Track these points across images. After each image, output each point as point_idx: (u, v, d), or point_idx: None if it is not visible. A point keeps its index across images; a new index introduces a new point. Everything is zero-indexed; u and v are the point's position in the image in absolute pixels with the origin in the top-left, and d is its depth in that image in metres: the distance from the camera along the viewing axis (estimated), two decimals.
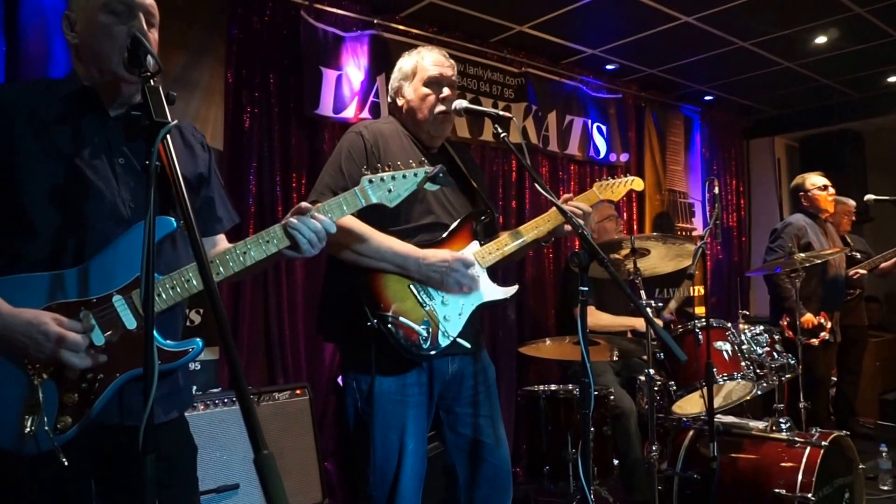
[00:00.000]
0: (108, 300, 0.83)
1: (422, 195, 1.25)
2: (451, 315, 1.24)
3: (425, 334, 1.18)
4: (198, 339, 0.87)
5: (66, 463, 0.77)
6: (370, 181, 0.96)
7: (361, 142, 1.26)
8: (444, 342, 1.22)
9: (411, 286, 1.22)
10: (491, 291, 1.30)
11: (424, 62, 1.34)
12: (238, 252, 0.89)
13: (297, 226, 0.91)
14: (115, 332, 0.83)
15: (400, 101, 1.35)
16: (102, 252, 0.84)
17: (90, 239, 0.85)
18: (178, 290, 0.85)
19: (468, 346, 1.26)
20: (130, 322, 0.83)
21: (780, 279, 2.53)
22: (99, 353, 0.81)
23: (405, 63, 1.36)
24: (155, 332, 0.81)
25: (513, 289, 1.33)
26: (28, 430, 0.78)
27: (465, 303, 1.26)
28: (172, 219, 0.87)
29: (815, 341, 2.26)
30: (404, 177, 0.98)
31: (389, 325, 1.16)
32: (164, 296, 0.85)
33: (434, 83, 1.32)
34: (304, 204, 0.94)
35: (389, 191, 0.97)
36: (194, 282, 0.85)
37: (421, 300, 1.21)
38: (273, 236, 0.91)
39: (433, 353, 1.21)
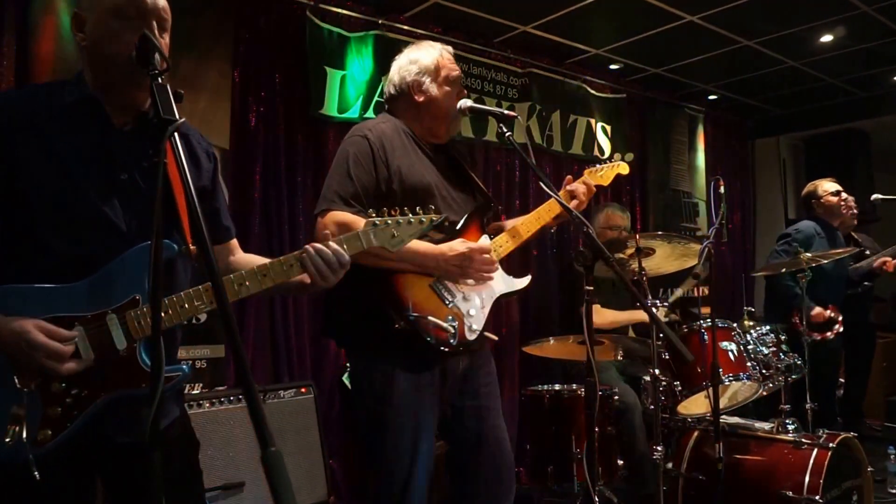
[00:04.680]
0: (102, 318, 0.83)
1: (427, 194, 1.26)
2: (474, 309, 1.25)
3: (452, 331, 1.20)
4: (183, 366, 0.87)
5: (38, 477, 0.77)
6: (375, 224, 0.96)
7: (368, 146, 1.25)
8: (471, 336, 1.23)
9: (432, 285, 1.22)
10: (507, 283, 1.32)
11: (445, 60, 1.33)
12: (234, 282, 0.88)
13: (311, 255, 0.89)
14: (105, 351, 0.82)
15: (419, 98, 1.32)
16: (102, 269, 0.84)
17: (90, 255, 0.84)
18: (170, 316, 0.85)
19: (496, 338, 1.29)
20: (120, 342, 0.83)
21: (784, 278, 2.52)
22: (85, 365, 0.81)
23: (424, 57, 1.33)
24: (146, 356, 0.83)
25: (526, 279, 1.34)
26: (9, 439, 0.78)
27: (485, 296, 1.27)
28: (173, 243, 0.86)
29: (829, 334, 2.24)
30: (409, 222, 0.97)
31: (417, 325, 1.16)
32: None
33: (456, 82, 1.33)
34: (318, 243, 0.92)
35: (393, 235, 0.96)
36: (188, 308, 0.85)
37: (443, 298, 1.22)
38: (273, 269, 0.89)
39: (462, 347, 1.22)
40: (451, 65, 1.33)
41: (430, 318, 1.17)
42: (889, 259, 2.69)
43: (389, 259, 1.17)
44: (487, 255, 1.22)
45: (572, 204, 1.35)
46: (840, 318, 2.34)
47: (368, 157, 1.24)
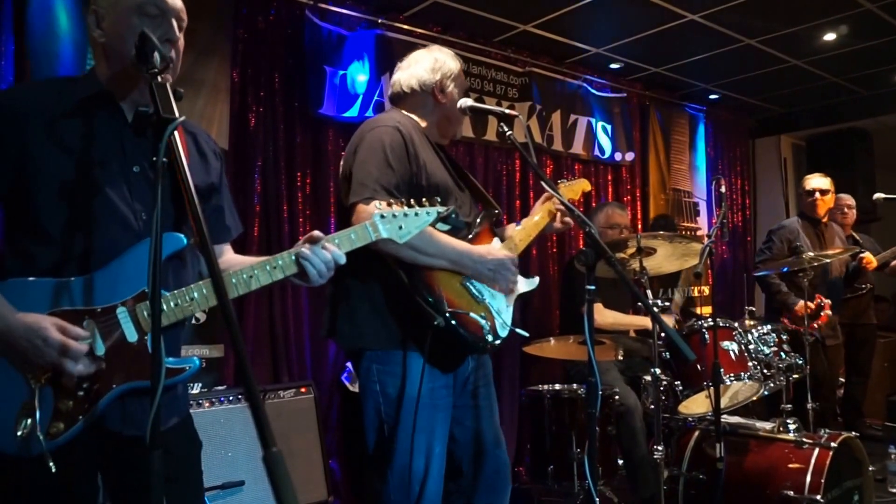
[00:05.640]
0: (111, 311, 0.83)
1: (447, 193, 1.27)
2: (502, 307, 1.28)
3: (487, 327, 1.21)
4: (195, 358, 0.88)
5: (53, 469, 0.77)
6: (382, 216, 0.96)
7: (401, 139, 1.23)
8: (503, 332, 1.26)
9: (464, 283, 1.23)
10: (523, 283, 1.36)
11: (461, 68, 1.38)
12: (244, 276, 0.89)
13: (308, 256, 0.89)
14: (116, 344, 0.83)
15: (442, 98, 1.34)
16: (111, 262, 0.84)
17: (100, 248, 0.84)
18: (181, 307, 0.85)
19: (526, 334, 1.32)
20: (132, 335, 0.83)
21: (769, 276, 2.52)
22: (98, 362, 0.81)
23: (449, 61, 1.36)
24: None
25: (536, 279, 1.38)
26: (21, 433, 0.78)
27: (507, 295, 1.31)
28: (183, 236, 0.86)
29: (817, 323, 2.23)
30: (416, 214, 0.98)
31: (454, 322, 1.16)
32: (165, 312, 0.84)
33: (465, 88, 1.38)
34: (316, 233, 0.93)
35: (400, 227, 0.97)
36: (197, 299, 0.85)
37: (475, 296, 1.24)
38: (281, 264, 0.90)
39: (496, 343, 1.24)
40: (463, 73, 1.40)
41: (470, 314, 1.18)
42: (867, 256, 2.68)
43: (432, 254, 1.17)
44: (516, 269, 1.26)
45: (557, 224, 1.41)
46: (828, 302, 2.31)
47: (402, 148, 1.23)
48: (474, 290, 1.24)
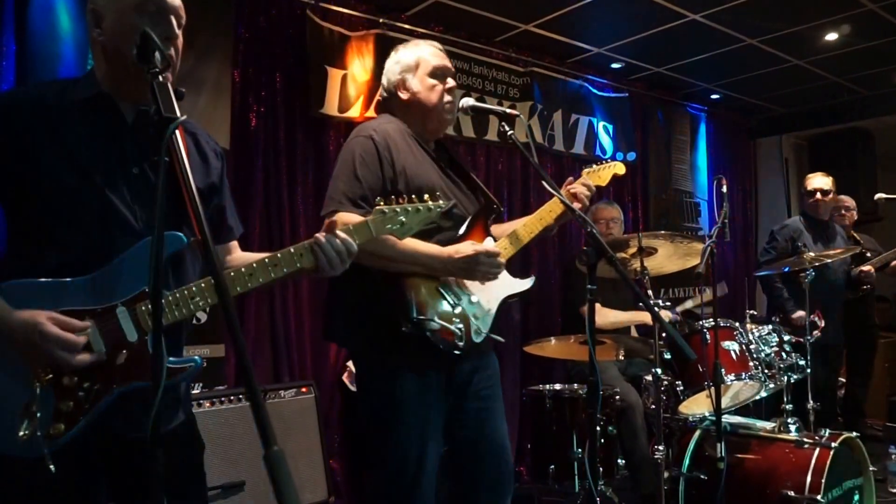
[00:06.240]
0: (112, 311, 0.83)
1: (432, 196, 1.25)
2: (481, 312, 1.26)
3: (459, 333, 1.20)
4: (196, 357, 0.89)
5: (53, 471, 0.77)
6: (383, 213, 0.96)
7: (373, 146, 1.23)
8: (477, 339, 1.24)
9: (439, 288, 1.22)
10: (512, 285, 1.32)
11: (425, 54, 1.33)
12: (243, 274, 0.89)
13: (322, 244, 0.90)
14: (117, 344, 0.83)
15: (404, 95, 1.32)
16: (111, 263, 0.84)
17: (100, 249, 0.84)
18: (181, 307, 0.85)
19: (502, 339, 1.29)
20: (132, 334, 0.83)
21: (772, 278, 2.52)
22: (97, 357, 0.81)
23: (405, 56, 1.34)
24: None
25: (530, 280, 1.35)
26: (22, 433, 0.78)
27: (491, 298, 1.28)
28: (183, 235, 0.86)
29: (808, 337, 2.24)
30: (418, 210, 0.97)
31: (425, 329, 1.16)
32: (165, 311, 0.84)
33: (439, 74, 1.32)
34: (330, 223, 0.93)
35: (402, 223, 0.97)
36: (199, 301, 0.85)
37: (450, 301, 1.22)
38: (281, 257, 0.89)
39: (469, 350, 1.23)
40: (434, 58, 1.33)
41: (438, 320, 1.17)
42: (868, 268, 2.70)
43: (401, 261, 1.17)
44: (495, 259, 1.23)
45: (574, 206, 1.33)
46: (822, 325, 2.33)
47: (374, 157, 1.23)
48: (449, 296, 1.22)
